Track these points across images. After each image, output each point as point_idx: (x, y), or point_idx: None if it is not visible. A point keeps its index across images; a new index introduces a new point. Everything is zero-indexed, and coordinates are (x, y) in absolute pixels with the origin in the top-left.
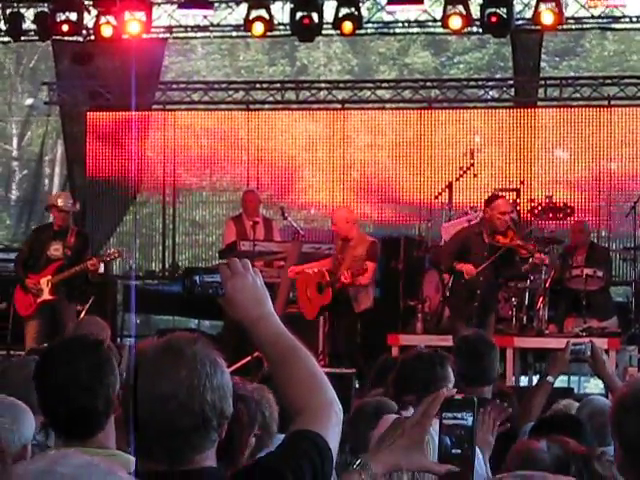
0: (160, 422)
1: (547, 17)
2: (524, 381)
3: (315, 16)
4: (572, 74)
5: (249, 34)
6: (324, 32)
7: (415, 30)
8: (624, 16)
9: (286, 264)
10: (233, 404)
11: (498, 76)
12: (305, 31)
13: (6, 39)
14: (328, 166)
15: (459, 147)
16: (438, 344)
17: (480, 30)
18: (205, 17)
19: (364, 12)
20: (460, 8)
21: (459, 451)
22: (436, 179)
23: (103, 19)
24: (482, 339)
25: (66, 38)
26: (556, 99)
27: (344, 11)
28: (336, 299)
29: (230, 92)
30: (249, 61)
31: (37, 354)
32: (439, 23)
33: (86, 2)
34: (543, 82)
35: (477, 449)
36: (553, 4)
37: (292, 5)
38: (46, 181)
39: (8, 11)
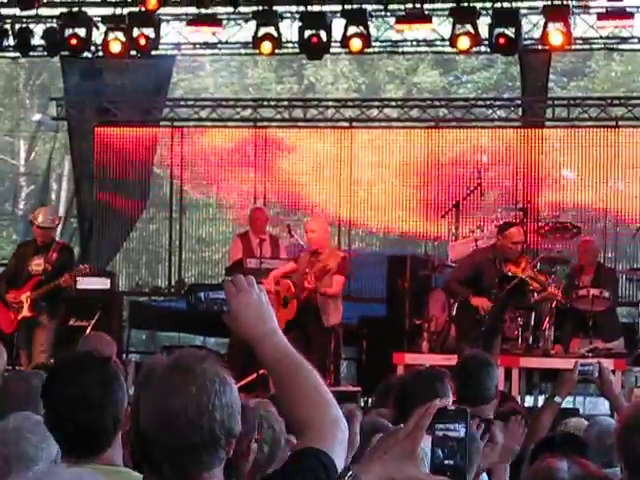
0: (169, 439)
1: (556, 37)
2: (529, 401)
3: (323, 34)
4: (580, 94)
5: (257, 52)
6: (332, 50)
7: (423, 49)
8: (632, 37)
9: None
10: None
11: (506, 96)
12: (313, 49)
13: (15, 54)
14: (335, 184)
15: (466, 166)
16: (443, 363)
17: (488, 49)
18: (214, 34)
19: (373, 31)
20: (468, 27)
21: (451, 462)
22: (443, 198)
23: (112, 35)
24: (477, 358)
25: (75, 54)
26: (564, 119)
27: (352, 29)
28: (304, 313)
29: (238, 109)
30: (257, 79)
31: (43, 369)
32: (447, 42)
33: (95, 18)
34: (551, 102)
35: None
36: (562, 24)
37: (300, 23)
38: (53, 196)
39: (17, 27)
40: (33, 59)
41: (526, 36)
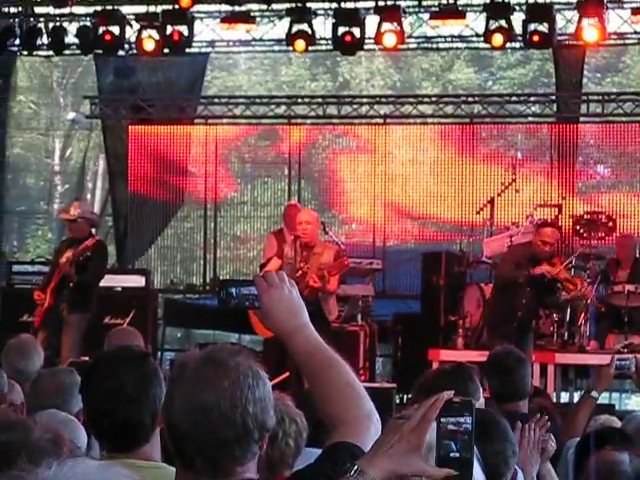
0: (202, 433)
1: (590, 33)
2: (565, 397)
3: (357, 31)
4: (614, 90)
5: (291, 49)
6: (366, 47)
7: (458, 45)
8: None
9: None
10: None
11: (540, 92)
12: (347, 46)
13: (49, 53)
14: (369, 181)
15: (501, 162)
16: (478, 359)
17: (522, 45)
18: (247, 32)
19: (406, 27)
20: (502, 23)
21: (457, 455)
22: (478, 194)
23: (145, 33)
24: (511, 354)
25: (108, 52)
26: (598, 115)
27: (386, 26)
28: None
29: (272, 106)
30: (291, 76)
31: (76, 367)
32: (482, 38)
33: (128, 16)
34: (585, 98)
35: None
36: (596, 19)
37: (334, 20)
38: (88, 195)
39: (51, 25)
40: (66, 57)
41: (560, 32)
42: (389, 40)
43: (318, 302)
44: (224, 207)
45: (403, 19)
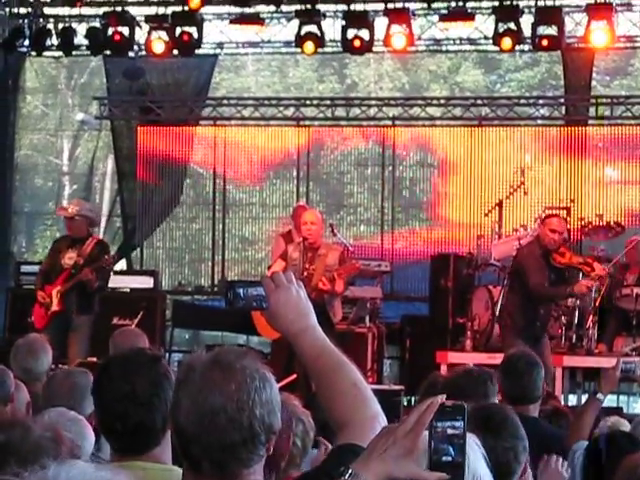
0: (209, 436)
1: (599, 36)
2: (573, 400)
3: (366, 33)
4: (623, 93)
5: (299, 50)
6: (375, 49)
7: (466, 47)
8: None
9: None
10: None
11: (549, 94)
12: (356, 48)
13: (58, 54)
14: (378, 183)
15: (509, 165)
16: (487, 362)
17: (530, 47)
18: (256, 33)
19: (416, 29)
20: (511, 26)
21: (450, 459)
22: (486, 197)
23: (154, 34)
24: (524, 357)
25: (117, 53)
26: (607, 118)
27: (395, 28)
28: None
29: (280, 108)
30: (299, 78)
31: (85, 367)
32: (490, 41)
33: (138, 17)
34: (594, 100)
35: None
36: (605, 22)
37: (343, 22)
38: (96, 196)
39: (60, 26)
40: (74, 58)
41: (569, 34)
42: (398, 42)
43: (324, 304)
44: (232, 209)
45: (412, 21)
